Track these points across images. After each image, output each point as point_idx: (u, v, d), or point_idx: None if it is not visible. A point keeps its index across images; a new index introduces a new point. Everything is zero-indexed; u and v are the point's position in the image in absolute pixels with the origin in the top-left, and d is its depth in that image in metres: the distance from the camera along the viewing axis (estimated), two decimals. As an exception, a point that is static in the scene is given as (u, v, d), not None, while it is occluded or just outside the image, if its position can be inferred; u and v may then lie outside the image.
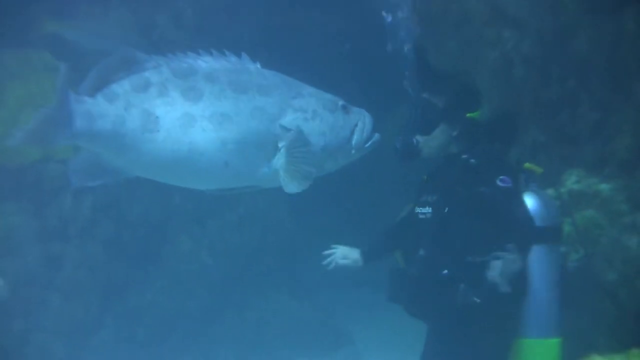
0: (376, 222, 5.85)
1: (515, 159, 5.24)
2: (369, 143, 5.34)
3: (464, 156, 5.16)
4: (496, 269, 4.61)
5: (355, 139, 5.32)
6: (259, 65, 5.32)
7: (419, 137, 5.31)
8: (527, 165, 5.08)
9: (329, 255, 5.75)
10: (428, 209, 5.30)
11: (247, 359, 9.42)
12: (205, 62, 5.17)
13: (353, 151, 5.33)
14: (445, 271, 4.90)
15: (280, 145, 5.16)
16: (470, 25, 6.90)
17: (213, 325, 9.47)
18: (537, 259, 4.82)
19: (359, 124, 5.33)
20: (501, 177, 4.84)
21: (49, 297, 7.81)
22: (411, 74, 5.48)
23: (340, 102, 5.36)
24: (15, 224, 8.82)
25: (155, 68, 5.08)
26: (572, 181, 5.82)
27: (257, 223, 9.73)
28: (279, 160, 5.15)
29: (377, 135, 5.34)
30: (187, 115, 5.00)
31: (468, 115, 5.29)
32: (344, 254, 5.73)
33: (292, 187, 5.15)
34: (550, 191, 5.71)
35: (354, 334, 9.45)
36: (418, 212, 5.38)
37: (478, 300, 4.79)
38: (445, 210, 5.14)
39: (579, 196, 5.73)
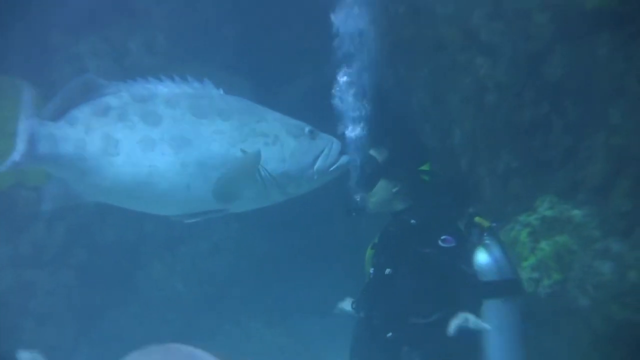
0: (353, 248, 5.54)
1: (467, 214, 4.93)
2: (334, 167, 5.15)
3: (405, 216, 5.01)
4: (451, 327, 4.41)
5: (318, 164, 5.13)
6: (221, 91, 5.22)
7: (362, 194, 5.15)
8: (477, 219, 4.82)
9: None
10: (371, 270, 5.14)
11: None
12: (165, 87, 5.09)
13: (316, 176, 5.15)
14: (390, 334, 4.78)
15: None
16: (444, 51, 6.94)
17: None
18: (493, 313, 4.61)
19: (325, 150, 5.15)
20: (443, 237, 4.62)
21: (22, 322, 7.67)
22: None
23: (307, 128, 5.20)
24: None
25: (115, 93, 4.99)
26: (544, 207, 5.77)
27: (230, 250, 9.57)
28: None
29: (343, 158, 5.17)
30: (146, 139, 4.91)
31: (419, 169, 5.09)
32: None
33: (249, 207, 5.16)
34: (522, 217, 5.70)
35: None
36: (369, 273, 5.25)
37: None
38: (386, 272, 4.96)
39: (552, 222, 5.67)
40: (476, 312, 4.53)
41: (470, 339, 4.56)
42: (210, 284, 9.40)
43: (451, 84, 6.96)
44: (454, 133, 6.94)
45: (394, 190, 5.07)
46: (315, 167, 5.12)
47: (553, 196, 5.82)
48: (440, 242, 4.60)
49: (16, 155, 4.71)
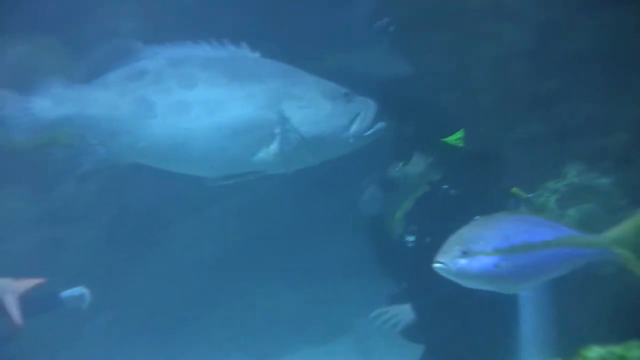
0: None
1: (502, 184, 5.01)
2: (370, 132, 5.14)
3: (445, 186, 5.02)
4: None
5: (354, 127, 5.13)
6: (258, 55, 5.29)
7: (397, 167, 5.14)
8: (514, 190, 4.84)
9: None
10: (412, 238, 5.13)
11: (245, 344, 9.34)
12: (202, 51, 5.20)
13: (351, 140, 5.16)
14: (429, 299, 4.85)
15: (276, 131, 5.07)
16: (470, 18, 6.89)
17: (210, 310, 9.36)
18: None
19: (361, 113, 5.14)
20: (476, 217, 4.47)
21: (52, 277, 7.72)
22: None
23: (343, 91, 5.21)
24: (18, 208, 8.66)
25: (151, 57, 5.14)
26: (572, 175, 5.73)
27: (257, 213, 9.48)
28: (275, 145, 5.08)
29: (380, 124, 5.14)
30: (182, 102, 5.01)
31: (450, 138, 5.06)
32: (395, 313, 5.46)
33: (284, 170, 5.17)
34: (551, 184, 5.67)
35: (354, 324, 9.29)
36: (406, 240, 5.20)
37: (451, 329, 4.82)
38: (427, 240, 4.97)
39: (579, 189, 5.66)
40: None
41: (504, 305, 4.58)
42: (236, 246, 9.39)
43: (477, 51, 6.88)
44: (481, 100, 6.86)
45: (429, 161, 5.06)
46: (351, 130, 5.12)
47: (581, 163, 5.77)
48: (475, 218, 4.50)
49: (39, 116, 5.00)
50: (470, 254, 4.00)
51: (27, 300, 5.77)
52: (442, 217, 4.75)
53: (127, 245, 9.03)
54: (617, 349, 3.31)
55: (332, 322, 9.35)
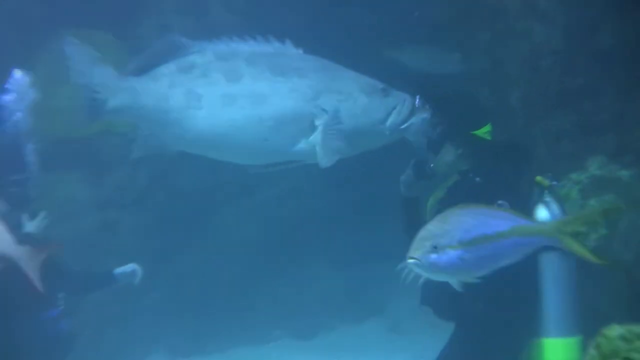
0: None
1: (526, 173, 5.00)
2: (406, 125, 5.27)
3: (471, 174, 5.05)
4: None
5: (390, 120, 5.28)
6: (301, 51, 5.43)
7: (431, 157, 5.18)
8: (538, 178, 4.83)
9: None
10: None
11: (285, 321, 9.51)
12: (248, 46, 5.34)
13: (387, 132, 5.31)
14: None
15: (316, 123, 5.22)
16: (504, 18, 7.02)
17: (254, 289, 9.49)
18: (552, 265, 4.66)
19: (397, 107, 5.28)
20: (500, 201, 4.67)
21: (105, 259, 7.89)
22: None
23: (380, 86, 5.35)
24: (75, 192, 8.92)
25: (199, 52, 5.28)
26: (594, 167, 5.86)
27: (297, 199, 9.73)
28: (315, 137, 5.23)
29: (415, 118, 5.26)
30: (227, 95, 5.18)
31: (474, 132, 5.10)
32: None
33: (324, 161, 5.22)
34: (574, 176, 5.80)
35: (386, 304, 9.45)
36: None
37: (481, 307, 4.80)
38: None
39: (600, 181, 5.78)
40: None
41: (531, 290, 4.67)
42: (278, 229, 9.59)
43: (509, 49, 7.02)
44: (511, 95, 6.98)
45: (459, 151, 5.09)
46: (387, 123, 5.27)
47: (603, 156, 5.90)
48: (497, 204, 4.65)
49: (94, 106, 5.13)
50: (439, 249, 4.17)
51: (83, 277, 6.13)
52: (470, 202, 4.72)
53: (176, 229, 9.25)
54: (636, 328, 3.27)
55: (367, 303, 9.55)
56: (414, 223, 4.96)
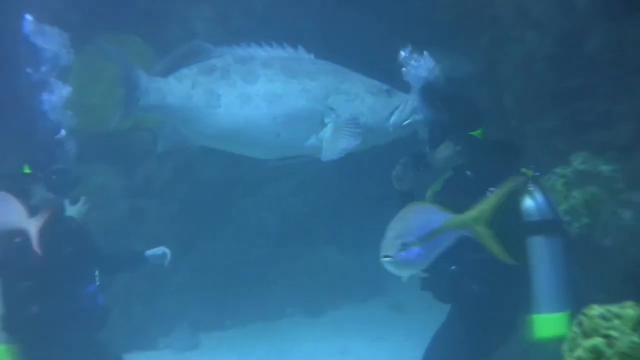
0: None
1: (515, 167, 5.10)
2: (407, 122, 5.51)
3: (465, 170, 5.23)
4: None
5: (393, 119, 5.53)
6: (312, 56, 5.68)
7: (427, 150, 5.34)
8: (523, 169, 5.09)
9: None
10: None
11: (297, 299, 9.83)
12: (264, 51, 5.60)
13: (391, 129, 5.55)
14: (453, 267, 5.04)
15: (326, 121, 5.48)
16: (499, 26, 7.36)
17: (269, 271, 9.83)
18: (539, 247, 4.90)
19: (400, 106, 5.52)
20: (491, 188, 4.82)
21: (133, 244, 8.04)
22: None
23: (385, 87, 5.61)
24: (108, 182, 9.27)
25: (220, 56, 5.55)
26: (578, 162, 6.07)
27: (310, 189, 10.04)
28: (326, 133, 5.48)
29: (416, 117, 5.48)
30: (244, 94, 5.45)
31: (471, 133, 5.27)
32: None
33: (326, 155, 5.47)
34: (559, 169, 6.00)
35: (388, 285, 9.77)
36: None
37: (476, 289, 5.01)
38: None
39: (583, 174, 5.99)
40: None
41: (521, 271, 4.81)
42: (292, 217, 9.96)
43: (504, 54, 7.31)
44: (506, 97, 7.26)
45: (457, 148, 5.23)
46: (391, 121, 5.52)
47: (586, 153, 6.07)
48: (488, 193, 4.78)
49: (127, 104, 5.41)
50: (406, 246, 4.31)
51: (116, 258, 6.42)
52: (463, 197, 4.92)
53: (198, 217, 9.60)
54: (614, 308, 3.59)
55: (370, 283, 9.90)
56: None
